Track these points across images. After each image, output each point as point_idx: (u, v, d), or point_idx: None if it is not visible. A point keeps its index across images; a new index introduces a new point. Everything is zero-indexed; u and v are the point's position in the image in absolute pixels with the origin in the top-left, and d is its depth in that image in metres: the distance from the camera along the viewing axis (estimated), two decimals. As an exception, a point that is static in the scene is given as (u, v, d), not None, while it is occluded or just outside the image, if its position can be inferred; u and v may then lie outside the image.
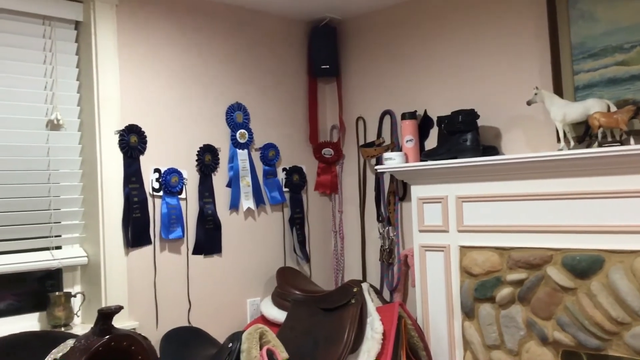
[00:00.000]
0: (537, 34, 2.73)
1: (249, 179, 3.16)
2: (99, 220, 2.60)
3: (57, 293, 2.55)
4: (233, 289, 3.08)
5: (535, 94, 2.53)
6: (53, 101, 2.58)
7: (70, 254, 2.62)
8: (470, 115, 2.75)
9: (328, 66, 3.44)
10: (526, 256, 2.55)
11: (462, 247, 2.76)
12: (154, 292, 2.77)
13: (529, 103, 2.53)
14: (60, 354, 1.90)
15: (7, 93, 2.47)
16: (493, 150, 2.76)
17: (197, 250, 2.94)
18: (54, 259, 2.55)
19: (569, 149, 2.50)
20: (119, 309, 1.95)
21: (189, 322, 2.88)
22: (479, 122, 2.84)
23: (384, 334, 2.59)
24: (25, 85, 2.51)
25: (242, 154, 3.14)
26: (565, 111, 2.47)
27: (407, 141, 3.04)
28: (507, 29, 2.83)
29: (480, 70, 2.93)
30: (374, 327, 2.62)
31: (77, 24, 2.67)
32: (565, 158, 2.39)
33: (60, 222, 2.61)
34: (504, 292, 2.62)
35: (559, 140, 2.56)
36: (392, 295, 3.24)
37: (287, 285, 3.00)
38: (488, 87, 2.90)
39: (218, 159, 3.05)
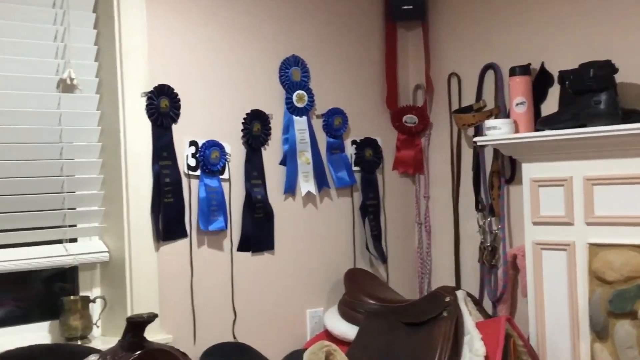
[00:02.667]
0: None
1: (308, 155, 3.18)
2: (122, 206, 2.66)
3: (72, 297, 2.63)
4: (289, 296, 3.12)
5: (697, 39, 2.45)
6: (65, 55, 2.64)
7: (87, 248, 2.69)
8: (605, 69, 2.70)
9: (411, 6, 3.41)
10: (681, 257, 2.50)
11: (592, 245, 2.73)
12: (191, 297, 2.83)
13: (687, 51, 2.46)
14: (82, 373, 1.98)
15: (7, 45, 2.53)
16: (637, 116, 2.69)
17: (243, 246, 2.99)
18: (68, 255, 2.63)
19: None
20: (152, 317, 2.01)
21: (234, 337, 2.94)
22: (617, 78, 2.78)
23: (486, 358, 2.58)
24: (29, 35, 2.58)
25: (300, 122, 3.16)
26: None
27: (517, 104, 3.00)
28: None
29: (618, 6, 2.85)
30: (474, 349, 2.61)
31: (93, -43, 2.74)
32: None
33: (75, 209, 2.68)
34: (650, 305, 2.58)
35: None
36: (495, 308, 3.23)
37: (359, 292, 3.03)
38: (629, 30, 2.82)
39: (269, 129, 3.08)
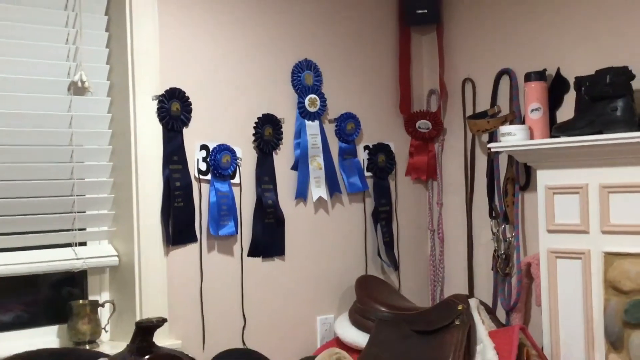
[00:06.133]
0: None
1: (320, 160, 3.19)
2: (132, 209, 2.68)
3: (80, 302, 2.66)
4: (299, 303, 3.13)
5: None
6: (76, 58, 2.66)
7: (96, 252, 2.72)
8: (621, 75, 2.69)
9: (426, 10, 3.42)
10: (699, 267, 2.50)
11: (608, 254, 2.73)
12: (200, 302, 2.84)
13: None
14: (90, 377, 2.00)
15: (18, 47, 2.56)
16: (654, 123, 2.69)
17: (253, 251, 3.00)
18: (77, 258, 2.64)
19: None
20: (161, 321, 2.02)
21: (244, 343, 2.95)
22: (634, 84, 2.77)
23: (499, 367, 2.59)
24: (41, 37, 2.61)
25: (312, 126, 3.17)
26: None
27: (532, 110, 3.00)
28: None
29: (636, 12, 2.85)
30: (486, 358, 2.62)
31: (105, -40, 2.76)
32: None
33: (84, 212, 2.70)
34: (667, 315, 2.57)
35: None
36: (509, 317, 3.22)
37: (370, 299, 3.04)
38: (647, 36, 2.83)
39: (281, 133, 3.09)
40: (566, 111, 3.04)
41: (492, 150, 3.10)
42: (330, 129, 3.26)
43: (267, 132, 3.04)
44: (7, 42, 2.54)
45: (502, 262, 3.23)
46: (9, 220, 2.54)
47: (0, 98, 2.52)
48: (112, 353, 2.21)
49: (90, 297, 2.75)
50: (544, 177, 2.92)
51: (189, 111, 2.84)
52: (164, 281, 2.74)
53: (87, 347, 2.61)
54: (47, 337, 2.67)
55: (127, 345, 2.07)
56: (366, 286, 3.14)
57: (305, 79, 3.17)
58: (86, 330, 2.62)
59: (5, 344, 2.54)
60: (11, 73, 2.55)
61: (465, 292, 3.41)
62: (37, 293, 2.79)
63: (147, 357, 2.01)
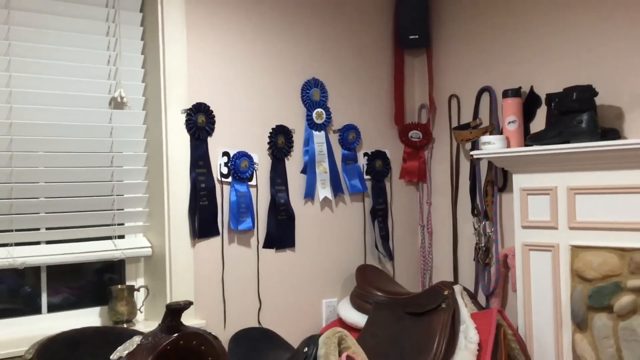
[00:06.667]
0: (670, -5, 2.64)
1: (326, 165, 3.20)
2: (164, 207, 2.70)
3: (119, 286, 2.68)
4: (307, 288, 3.14)
5: (668, 67, 2.45)
6: (116, 77, 2.69)
7: (133, 243, 2.74)
8: (586, 92, 2.70)
9: (417, 36, 3.42)
10: (652, 259, 2.49)
11: (574, 247, 2.73)
12: (222, 288, 2.86)
13: (659, 78, 2.46)
14: (127, 352, 2.01)
15: (68, 68, 2.59)
16: (614, 134, 2.69)
17: (268, 244, 3.01)
18: (117, 249, 2.67)
19: None
20: (188, 304, 2.03)
21: (259, 323, 2.96)
22: (597, 101, 2.78)
23: (479, 345, 2.59)
24: (86, 59, 2.64)
25: (318, 136, 3.18)
26: None
27: (509, 123, 3.00)
28: (634, -10, 2.75)
29: (598, 37, 2.85)
30: (468, 337, 2.62)
31: (142, -8, 2.78)
32: None
33: (123, 209, 2.73)
34: (624, 300, 2.57)
35: (695, 122, 2.48)
36: (488, 301, 3.23)
37: (368, 285, 3.04)
38: (609, 57, 2.82)
39: (292, 142, 3.10)
40: (538, 123, 3.04)
41: (474, 156, 3.10)
42: (334, 138, 3.28)
43: (279, 141, 3.06)
44: (58, 63, 2.57)
45: (483, 254, 3.23)
46: (59, 217, 2.57)
47: (53, 112, 2.56)
48: (146, 331, 2.22)
49: (128, 283, 2.78)
50: (519, 180, 2.93)
51: (213, 123, 2.85)
52: (190, 269, 2.76)
53: (125, 325, 2.63)
54: (90, 317, 2.70)
55: (159, 325, 2.09)
56: (365, 274, 3.15)
57: (313, 95, 3.19)
58: (124, 311, 2.65)
59: (55, 322, 2.58)
60: (61, 90, 2.58)
61: (451, 279, 3.41)
62: (82, 279, 2.81)
63: (175, 334, 2.02)
